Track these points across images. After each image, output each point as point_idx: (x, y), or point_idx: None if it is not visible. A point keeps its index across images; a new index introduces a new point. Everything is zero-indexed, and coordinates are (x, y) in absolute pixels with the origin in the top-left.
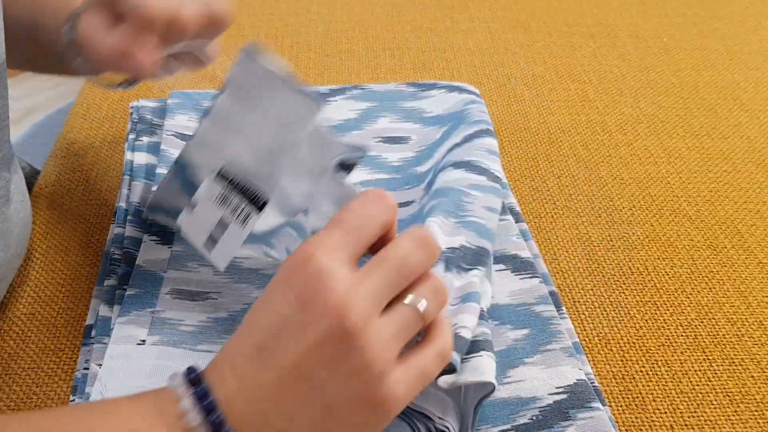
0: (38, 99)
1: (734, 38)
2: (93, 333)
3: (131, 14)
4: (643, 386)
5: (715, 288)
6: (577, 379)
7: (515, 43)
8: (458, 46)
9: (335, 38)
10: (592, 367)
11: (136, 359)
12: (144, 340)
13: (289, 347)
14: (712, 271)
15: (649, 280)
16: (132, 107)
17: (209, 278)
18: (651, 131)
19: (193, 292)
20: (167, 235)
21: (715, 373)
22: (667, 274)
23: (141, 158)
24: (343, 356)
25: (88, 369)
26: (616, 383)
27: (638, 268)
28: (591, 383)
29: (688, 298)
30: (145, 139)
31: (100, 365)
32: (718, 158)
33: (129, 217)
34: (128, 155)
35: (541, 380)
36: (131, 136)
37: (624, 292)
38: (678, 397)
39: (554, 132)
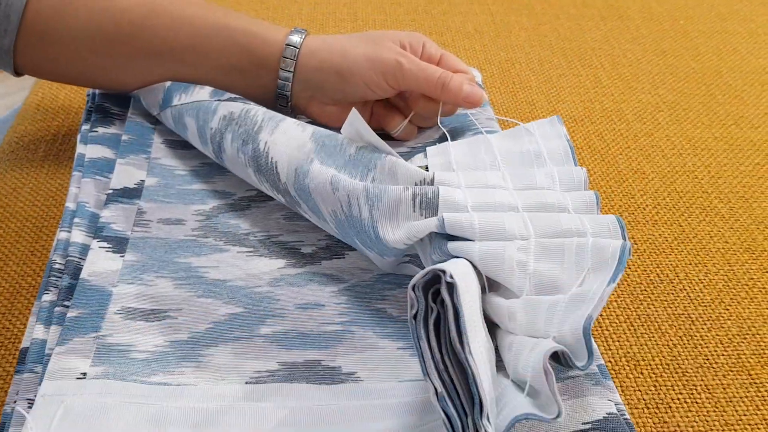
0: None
1: (756, 21)
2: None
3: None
4: (681, 417)
5: (757, 298)
6: (607, 413)
7: (518, 26)
8: (456, 29)
9: (322, 21)
10: (620, 395)
11: (72, 398)
12: (85, 373)
13: None
14: (752, 278)
15: (681, 290)
16: (88, 94)
17: (168, 293)
18: (673, 120)
19: (147, 311)
20: (120, 242)
21: (764, 400)
22: (701, 282)
23: (95, 152)
24: None
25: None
26: (650, 414)
27: (668, 275)
28: (622, 416)
29: (727, 309)
30: (101, 130)
31: (30, 402)
32: (749, 149)
33: (76, 220)
34: (80, 148)
35: (565, 415)
36: (84, 127)
37: (653, 304)
38: (723, 430)
39: (566, 121)
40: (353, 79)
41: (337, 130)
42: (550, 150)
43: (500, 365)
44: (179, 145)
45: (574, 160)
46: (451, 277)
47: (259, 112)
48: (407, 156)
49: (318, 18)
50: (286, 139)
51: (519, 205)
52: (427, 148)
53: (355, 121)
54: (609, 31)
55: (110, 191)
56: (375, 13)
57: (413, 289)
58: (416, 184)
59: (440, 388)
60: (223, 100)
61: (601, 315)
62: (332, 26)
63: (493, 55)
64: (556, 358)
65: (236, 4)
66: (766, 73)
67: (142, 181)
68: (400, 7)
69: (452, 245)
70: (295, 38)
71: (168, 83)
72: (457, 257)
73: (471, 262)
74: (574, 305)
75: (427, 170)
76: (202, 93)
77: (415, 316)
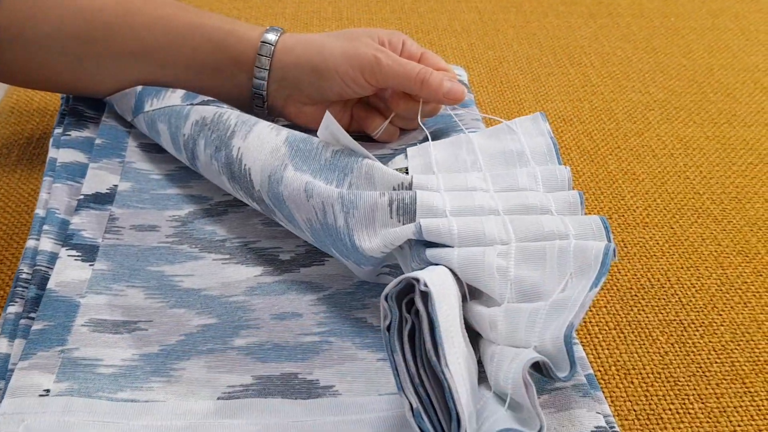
0: None
1: (748, 17)
2: None
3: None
4: (673, 428)
5: (751, 302)
6: (596, 427)
7: (506, 23)
8: (443, 27)
9: (306, 20)
10: (610, 406)
11: (33, 416)
12: (48, 390)
13: None
14: (745, 282)
15: (672, 294)
16: (62, 97)
17: (138, 303)
18: (664, 119)
19: (118, 323)
20: (91, 250)
21: (759, 410)
22: (694, 287)
23: (68, 156)
24: None
25: None
26: (641, 425)
27: (659, 280)
28: (611, 429)
29: (720, 315)
30: (74, 134)
31: None
32: (741, 149)
33: (45, 227)
34: (52, 152)
35: (550, 429)
36: (57, 131)
37: (644, 310)
38: None
39: (554, 121)
40: (330, 74)
41: (314, 132)
42: (532, 148)
43: (483, 377)
44: (154, 148)
45: (558, 157)
46: (426, 285)
47: (232, 115)
48: (389, 158)
49: (302, 17)
50: (260, 143)
51: (500, 207)
52: (408, 149)
53: (330, 124)
54: (598, 28)
55: (81, 197)
56: (360, 12)
57: (386, 299)
58: (393, 189)
59: (416, 404)
60: (196, 104)
61: (590, 321)
62: (317, 25)
63: (481, 54)
64: (539, 368)
65: (219, 2)
66: (758, 70)
67: (115, 185)
68: (386, 5)
69: (431, 252)
70: (271, 36)
71: (139, 88)
72: (437, 264)
73: (451, 270)
74: (555, 312)
75: (407, 172)
76: (174, 97)
77: (388, 328)
